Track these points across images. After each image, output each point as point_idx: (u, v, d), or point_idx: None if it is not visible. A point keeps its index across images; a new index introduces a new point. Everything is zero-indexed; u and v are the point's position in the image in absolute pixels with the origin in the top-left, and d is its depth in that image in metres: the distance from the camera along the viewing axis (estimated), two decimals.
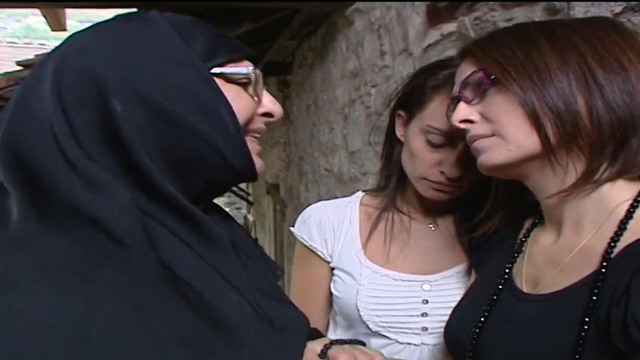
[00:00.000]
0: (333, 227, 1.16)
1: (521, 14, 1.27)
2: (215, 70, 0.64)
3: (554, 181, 0.76)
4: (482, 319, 0.81)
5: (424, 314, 1.05)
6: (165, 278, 0.57)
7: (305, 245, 1.18)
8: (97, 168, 0.57)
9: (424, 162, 1.02)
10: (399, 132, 1.12)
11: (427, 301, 1.05)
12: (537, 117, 0.72)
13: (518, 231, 0.90)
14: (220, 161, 0.64)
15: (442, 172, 1.01)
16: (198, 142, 0.62)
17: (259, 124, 0.71)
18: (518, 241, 0.87)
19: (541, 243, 0.82)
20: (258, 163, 0.70)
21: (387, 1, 2.15)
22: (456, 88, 0.83)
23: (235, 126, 0.65)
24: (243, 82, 0.67)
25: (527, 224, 0.89)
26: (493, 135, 0.77)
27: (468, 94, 0.81)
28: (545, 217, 0.82)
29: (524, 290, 0.79)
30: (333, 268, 1.15)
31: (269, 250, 7.27)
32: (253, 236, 10.08)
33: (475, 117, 0.79)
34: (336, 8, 2.86)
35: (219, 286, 0.62)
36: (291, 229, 1.24)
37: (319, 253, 1.16)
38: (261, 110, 0.71)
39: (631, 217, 0.70)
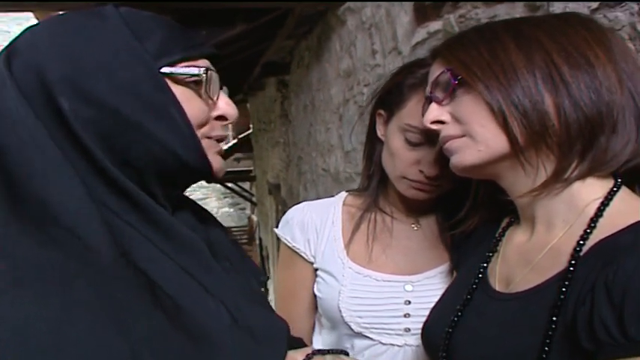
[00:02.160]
0: (315, 228, 1.15)
1: (503, 11, 1.26)
2: (165, 69, 0.63)
3: (525, 181, 0.75)
4: (456, 319, 0.80)
5: (407, 315, 1.04)
6: (140, 285, 0.56)
7: (288, 246, 1.17)
8: (69, 168, 0.57)
9: (403, 161, 1.02)
10: (379, 131, 1.11)
11: (410, 302, 1.05)
12: (504, 117, 0.71)
13: (496, 230, 0.89)
14: (173, 161, 0.63)
15: (421, 171, 1.00)
16: (149, 142, 0.61)
17: (216, 128, 0.70)
18: (494, 241, 0.86)
19: (515, 242, 0.82)
20: (216, 161, 0.69)
21: (374, 0, 2.14)
22: (428, 89, 0.83)
23: (187, 125, 0.63)
24: (194, 83, 0.66)
25: (503, 223, 0.88)
26: (464, 136, 0.76)
27: (438, 94, 0.80)
28: (520, 216, 0.82)
29: (497, 289, 0.79)
30: (316, 269, 1.15)
31: (272, 251, 7.27)
32: (257, 237, 10.09)
33: (446, 117, 0.79)
34: (329, 8, 2.85)
35: (195, 293, 0.61)
36: (275, 230, 1.23)
37: (302, 254, 1.15)
38: (215, 113, 0.69)
39: (601, 215, 0.69)
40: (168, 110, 0.62)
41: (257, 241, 10.19)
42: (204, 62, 0.68)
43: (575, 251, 0.68)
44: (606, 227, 0.67)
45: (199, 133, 0.66)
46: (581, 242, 0.68)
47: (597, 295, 0.60)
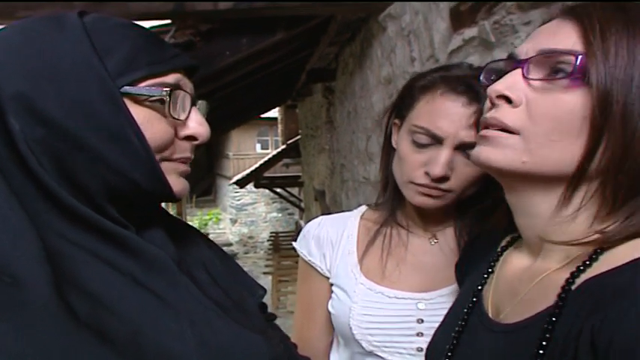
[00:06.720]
0: (331, 242, 1.13)
1: (538, 17, 1.19)
2: (126, 89, 0.59)
3: (544, 208, 0.64)
4: (452, 346, 0.73)
5: (419, 334, 1.00)
6: (75, 322, 0.51)
7: (305, 260, 1.15)
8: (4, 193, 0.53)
9: (409, 163, 0.98)
10: (394, 140, 1.07)
11: (422, 321, 1.00)
12: (601, 134, 0.57)
13: (498, 243, 0.80)
14: (128, 186, 0.60)
15: (427, 174, 0.95)
16: (102, 166, 0.58)
17: (183, 149, 0.65)
18: (491, 260, 0.77)
19: (510, 265, 0.73)
20: (177, 184, 0.65)
21: (408, 0, 2.09)
22: (525, 48, 0.63)
23: (145, 149, 0.59)
24: (159, 103, 0.61)
25: (504, 242, 0.79)
26: (518, 134, 0.61)
27: (534, 66, 0.61)
28: (522, 236, 0.71)
29: (491, 316, 0.70)
30: (332, 284, 1.12)
31: None
32: None
33: (518, 100, 0.61)
34: (370, 14, 2.81)
35: (157, 314, 0.58)
36: (293, 243, 1.21)
37: (318, 268, 1.13)
38: (184, 133, 0.65)
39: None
40: (124, 133, 0.58)
41: None
42: (174, 77, 0.63)
43: (568, 283, 0.58)
44: (610, 260, 0.57)
45: (160, 155, 0.62)
46: (575, 274, 0.59)
47: (581, 344, 0.52)
